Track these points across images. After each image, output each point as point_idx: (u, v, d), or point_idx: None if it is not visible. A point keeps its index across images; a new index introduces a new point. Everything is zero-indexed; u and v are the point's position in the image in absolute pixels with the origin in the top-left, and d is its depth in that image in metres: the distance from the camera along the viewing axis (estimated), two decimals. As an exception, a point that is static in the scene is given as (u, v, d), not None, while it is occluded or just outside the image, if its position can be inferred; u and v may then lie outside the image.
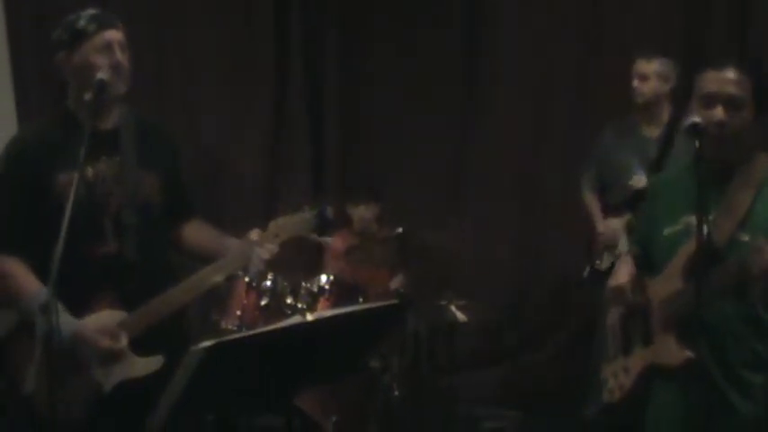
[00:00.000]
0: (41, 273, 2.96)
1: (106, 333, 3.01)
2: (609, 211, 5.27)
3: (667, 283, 2.79)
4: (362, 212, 5.61)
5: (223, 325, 4.67)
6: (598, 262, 5.25)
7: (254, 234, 3.16)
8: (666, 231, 2.85)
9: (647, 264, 2.97)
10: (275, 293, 4.72)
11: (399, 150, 6.48)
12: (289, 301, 4.72)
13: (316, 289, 4.76)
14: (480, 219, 6.24)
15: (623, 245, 5.02)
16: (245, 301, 4.72)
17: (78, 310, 2.99)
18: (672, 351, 2.74)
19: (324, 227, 3.28)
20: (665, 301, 2.79)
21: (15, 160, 3.10)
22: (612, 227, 5.17)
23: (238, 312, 4.69)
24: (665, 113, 5.13)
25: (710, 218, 2.65)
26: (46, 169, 3.04)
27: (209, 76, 6.38)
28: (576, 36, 6.12)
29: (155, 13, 6.19)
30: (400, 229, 5.13)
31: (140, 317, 3.07)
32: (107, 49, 3.02)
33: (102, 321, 3.03)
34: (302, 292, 4.73)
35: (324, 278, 4.83)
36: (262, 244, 3.14)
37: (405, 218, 5.35)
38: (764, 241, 2.54)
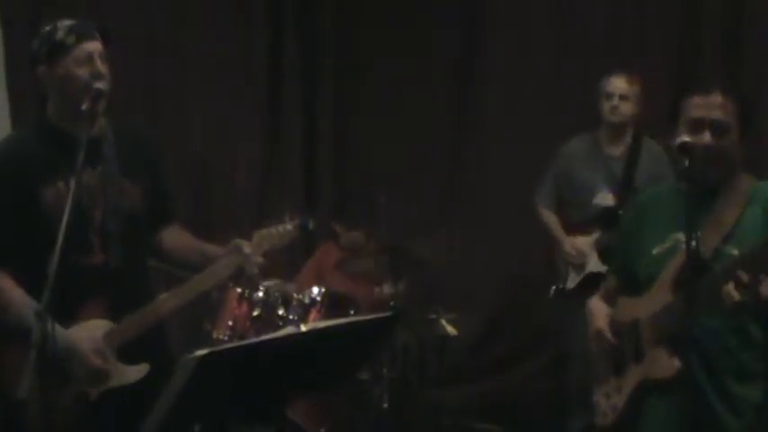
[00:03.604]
0: (26, 286, 2.97)
1: (99, 353, 3.03)
2: (570, 228, 5.12)
3: (657, 298, 2.80)
4: (350, 236, 5.63)
5: (215, 335, 4.68)
6: (561, 285, 5.14)
7: (246, 245, 3.18)
8: (655, 250, 2.86)
9: (631, 283, 2.96)
10: (267, 304, 4.74)
11: (393, 159, 6.47)
12: (281, 312, 4.73)
13: (307, 300, 4.78)
14: (471, 232, 6.26)
15: (593, 264, 4.96)
16: (236, 312, 4.73)
17: (66, 320, 2.98)
18: (663, 363, 2.74)
19: (305, 238, 3.32)
20: (654, 315, 2.81)
21: None
22: (579, 246, 5.03)
23: (230, 322, 4.70)
24: (629, 133, 5.06)
25: (698, 233, 2.66)
26: (30, 182, 3.03)
27: (203, 81, 6.33)
28: (573, 45, 6.12)
29: (148, 17, 6.14)
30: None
31: (129, 325, 3.08)
32: (88, 61, 3.01)
33: (93, 335, 3.04)
34: (294, 303, 4.76)
35: (315, 290, 4.85)
36: (255, 255, 3.17)
37: (396, 229, 5.36)
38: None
